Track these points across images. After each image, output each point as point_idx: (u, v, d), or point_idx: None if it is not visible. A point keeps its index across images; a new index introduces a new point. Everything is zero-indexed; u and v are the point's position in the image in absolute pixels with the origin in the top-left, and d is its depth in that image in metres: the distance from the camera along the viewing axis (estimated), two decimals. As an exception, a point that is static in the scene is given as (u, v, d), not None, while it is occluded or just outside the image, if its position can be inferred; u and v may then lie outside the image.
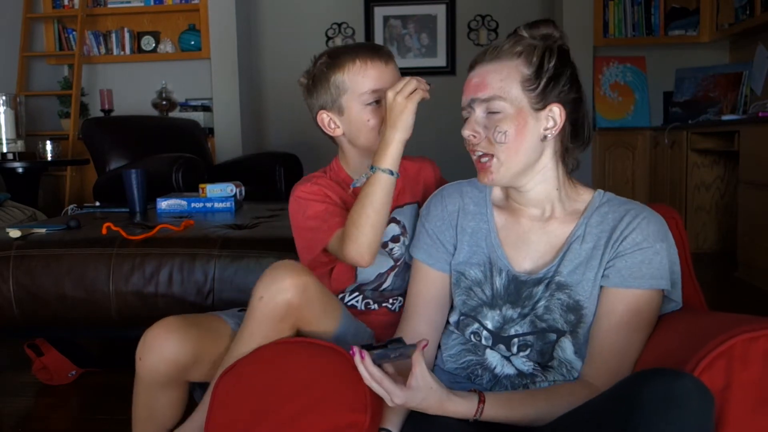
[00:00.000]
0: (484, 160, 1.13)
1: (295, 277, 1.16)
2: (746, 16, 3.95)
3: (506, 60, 1.11)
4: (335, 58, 1.34)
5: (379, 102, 1.32)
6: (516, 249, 1.18)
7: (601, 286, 1.12)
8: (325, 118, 1.37)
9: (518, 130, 1.10)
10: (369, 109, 1.32)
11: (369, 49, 1.34)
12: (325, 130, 1.39)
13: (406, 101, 1.20)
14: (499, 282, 1.17)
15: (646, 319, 1.11)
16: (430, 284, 1.24)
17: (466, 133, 1.13)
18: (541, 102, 1.10)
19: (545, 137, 1.12)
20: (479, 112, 1.12)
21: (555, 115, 1.11)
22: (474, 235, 1.21)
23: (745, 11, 3.98)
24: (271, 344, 1.17)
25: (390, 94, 1.22)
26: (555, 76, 1.11)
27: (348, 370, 1.04)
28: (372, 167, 1.24)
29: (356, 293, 1.40)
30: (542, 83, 1.10)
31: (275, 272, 1.17)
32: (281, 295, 1.15)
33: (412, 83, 1.21)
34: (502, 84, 1.10)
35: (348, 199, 1.36)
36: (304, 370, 1.07)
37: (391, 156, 1.23)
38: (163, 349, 1.24)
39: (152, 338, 1.26)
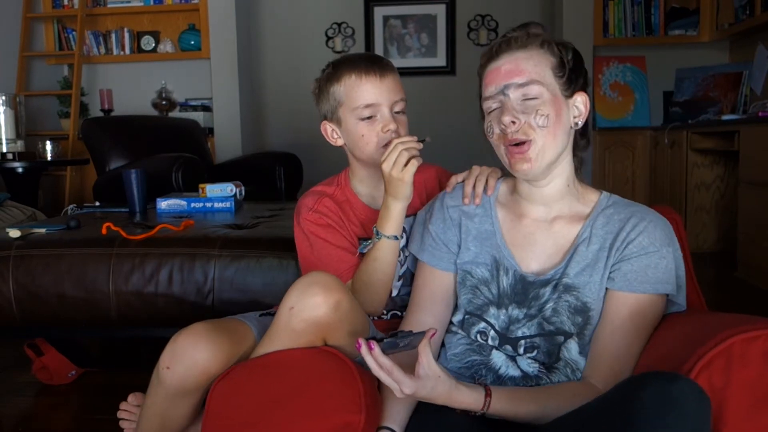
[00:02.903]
0: (519, 146, 1.11)
1: (328, 294, 1.10)
2: (746, 16, 3.95)
3: (534, 49, 1.13)
4: (336, 69, 1.35)
5: (373, 117, 1.32)
6: (522, 249, 1.18)
7: (607, 288, 1.12)
8: (327, 128, 1.40)
9: (557, 114, 1.11)
10: (363, 124, 1.33)
11: (367, 62, 1.33)
12: (328, 140, 1.41)
13: (402, 174, 1.21)
14: (505, 281, 1.17)
15: (649, 323, 1.12)
16: (436, 282, 1.25)
17: (507, 119, 1.10)
18: (569, 89, 1.14)
19: (576, 124, 1.16)
20: (514, 98, 1.11)
21: (580, 104, 1.15)
22: (479, 236, 1.22)
23: (745, 11, 3.97)
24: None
25: (385, 168, 1.22)
26: (575, 67, 1.15)
27: (342, 371, 1.04)
28: (377, 233, 1.27)
29: None
30: (567, 71, 1.13)
31: (309, 285, 1.11)
32: (312, 311, 1.09)
33: (403, 156, 1.21)
34: (537, 69, 1.11)
35: (350, 224, 1.38)
36: (298, 374, 1.07)
37: (395, 223, 1.27)
38: (195, 358, 1.17)
39: (183, 347, 1.18)
